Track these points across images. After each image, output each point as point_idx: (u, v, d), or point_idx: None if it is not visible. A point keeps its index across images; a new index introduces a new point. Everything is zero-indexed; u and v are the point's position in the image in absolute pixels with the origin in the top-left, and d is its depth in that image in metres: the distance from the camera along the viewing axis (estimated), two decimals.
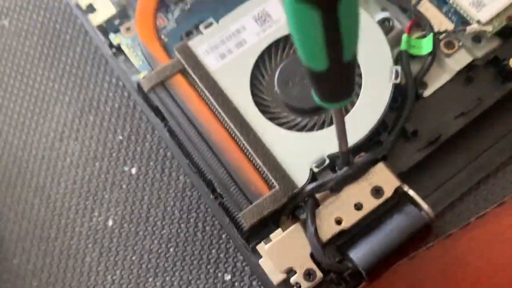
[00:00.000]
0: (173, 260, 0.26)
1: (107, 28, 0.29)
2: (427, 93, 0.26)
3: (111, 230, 0.27)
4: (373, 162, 0.24)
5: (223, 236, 0.26)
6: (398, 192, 0.23)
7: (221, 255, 0.26)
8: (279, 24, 0.27)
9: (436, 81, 0.26)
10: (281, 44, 0.26)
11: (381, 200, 0.23)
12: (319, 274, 0.22)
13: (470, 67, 0.26)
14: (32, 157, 0.29)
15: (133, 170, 0.28)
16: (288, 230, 0.23)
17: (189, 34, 0.28)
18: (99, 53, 0.31)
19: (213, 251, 0.26)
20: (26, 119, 0.30)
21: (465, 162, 0.26)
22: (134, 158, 0.28)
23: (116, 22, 0.29)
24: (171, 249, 0.26)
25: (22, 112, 0.30)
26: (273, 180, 0.24)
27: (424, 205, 0.23)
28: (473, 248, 0.25)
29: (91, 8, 0.29)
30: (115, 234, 0.27)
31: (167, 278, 0.26)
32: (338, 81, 0.16)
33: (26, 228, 0.28)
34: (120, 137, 0.29)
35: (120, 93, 0.30)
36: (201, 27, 0.27)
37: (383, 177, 0.24)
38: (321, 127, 0.25)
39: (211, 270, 0.26)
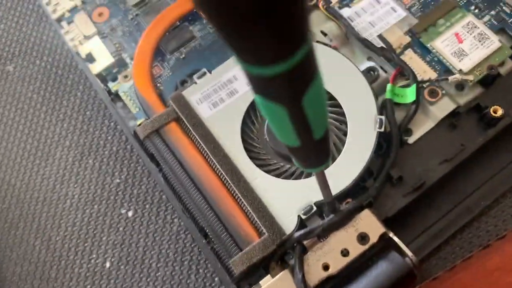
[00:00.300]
0: None
1: (105, 76, 0.30)
2: (411, 140, 0.27)
3: (109, 272, 0.28)
4: (359, 209, 0.25)
5: (216, 279, 0.27)
6: (383, 238, 0.24)
7: None
8: None
9: (421, 128, 0.27)
10: None
11: (366, 246, 0.24)
12: None
13: (453, 114, 0.27)
14: (34, 199, 0.30)
15: (130, 213, 0.29)
16: (277, 276, 0.24)
17: (183, 83, 0.29)
18: (99, 98, 0.32)
19: None
20: (29, 162, 0.31)
21: (450, 207, 0.26)
22: (131, 201, 0.29)
23: (114, 70, 0.30)
24: None
25: (25, 155, 0.32)
26: (262, 227, 0.24)
27: (408, 252, 0.24)
28: None
29: (90, 57, 0.31)
30: (112, 276, 0.28)
31: None
32: (312, 154, 0.17)
33: (27, 269, 0.29)
34: (118, 180, 0.30)
35: (118, 137, 0.31)
36: (194, 77, 0.28)
37: (369, 224, 0.24)
38: (308, 175, 0.26)
39: None
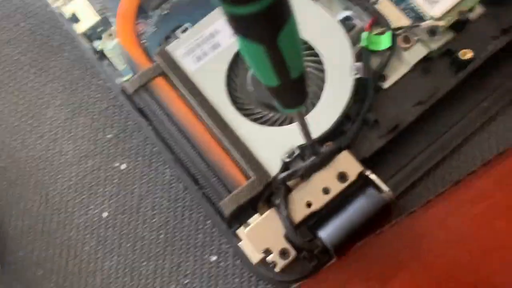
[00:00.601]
0: (163, 245, 0.29)
1: (90, 35, 0.31)
2: (386, 85, 0.28)
3: (106, 221, 0.30)
4: (338, 151, 0.26)
5: (208, 222, 0.29)
6: (361, 176, 0.26)
7: (207, 239, 0.29)
8: None
9: (395, 73, 0.28)
10: None
11: (346, 184, 0.26)
12: (292, 253, 0.25)
13: (426, 59, 0.28)
14: (30, 157, 0.32)
15: (123, 166, 0.31)
16: (264, 214, 0.26)
17: (167, 38, 0.30)
18: (86, 57, 0.33)
19: (199, 235, 0.29)
20: (21, 123, 0.32)
21: (423, 147, 0.28)
22: (123, 155, 0.31)
23: (99, 29, 0.31)
24: (161, 236, 0.29)
25: (17, 116, 0.33)
26: (249, 171, 0.26)
27: (385, 187, 0.26)
28: (433, 224, 0.28)
29: (74, 18, 0.31)
30: (110, 224, 0.30)
31: (159, 262, 0.29)
32: (290, 93, 0.19)
33: (29, 223, 0.30)
34: (110, 136, 0.31)
35: (106, 95, 0.32)
36: (177, 32, 0.29)
37: (348, 164, 0.26)
38: (291, 121, 0.27)
39: (198, 253, 0.28)
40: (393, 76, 0.28)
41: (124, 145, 0.31)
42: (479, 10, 0.28)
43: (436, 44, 0.28)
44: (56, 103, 0.33)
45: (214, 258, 0.28)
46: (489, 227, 0.27)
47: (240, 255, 0.27)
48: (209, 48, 0.29)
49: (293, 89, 0.18)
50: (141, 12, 0.31)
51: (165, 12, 0.31)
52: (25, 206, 0.31)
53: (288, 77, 0.17)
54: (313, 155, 0.26)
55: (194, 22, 0.29)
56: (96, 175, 0.31)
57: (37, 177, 0.31)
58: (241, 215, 0.26)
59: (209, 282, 0.28)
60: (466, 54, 0.27)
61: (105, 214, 0.30)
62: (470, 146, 0.29)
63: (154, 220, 0.29)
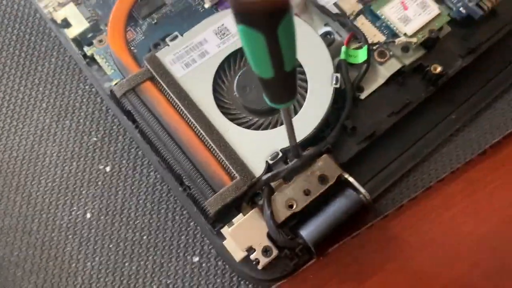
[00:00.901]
0: (146, 246, 0.29)
1: (81, 40, 0.32)
2: (363, 95, 0.30)
3: (89, 222, 0.30)
4: (319, 155, 0.28)
5: (191, 224, 0.30)
6: (340, 179, 0.28)
7: (189, 240, 0.29)
8: (237, 37, 0.30)
9: (371, 85, 0.30)
10: (239, 54, 0.30)
11: (326, 187, 0.27)
12: (275, 251, 0.26)
13: (399, 73, 0.30)
14: (13, 158, 0.32)
15: (108, 168, 0.31)
16: (248, 214, 0.27)
17: (156, 46, 0.31)
18: (73, 63, 0.34)
19: (182, 237, 0.29)
20: (6, 124, 0.33)
21: (397, 154, 0.30)
22: (108, 158, 0.31)
23: (89, 35, 0.32)
24: (144, 237, 0.29)
25: (1, 117, 0.33)
26: (234, 172, 0.27)
27: (362, 190, 0.27)
28: (406, 227, 0.30)
29: (66, 23, 0.32)
30: (93, 225, 0.30)
31: (141, 263, 0.29)
32: (282, 87, 0.20)
33: (9, 223, 0.30)
34: (95, 139, 0.32)
35: (93, 99, 0.33)
36: (167, 39, 0.30)
37: (328, 167, 0.28)
38: (275, 126, 0.29)
39: (180, 254, 0.29)
40: (370, 87, 0.30)
41: (109, 148, 0.32)
42: (447, 29, 0.31)
43: (408, 59, 0.30)
44: (42, 106, 0.33)
45: (196, 259, 0.29)
46: (457, 231, 0.29)
47: (223, 255, 0.28)
48: (197, 55, 0.30)
49: (285, 82, 0.20)
50: (131, 20, 0.32)
51: (154, 21, 0.32)
52: (6, 206, 0.31)
53: (282, 69, 0.18)
54: (295, 157, 0.27)
55: (181, 32, 0.31)
56: (81, 177, 0.31)
57: (19, 178, 0.31)
58: (225, 216, 0.27)
59: (192, 282, 0.28)
60: (436, 69, 0.29)
61: (88, 215, 0.30)
62: (439, 154, 0.31)
63: (137, 222, 0.30)
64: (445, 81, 0.30)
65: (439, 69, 0.29)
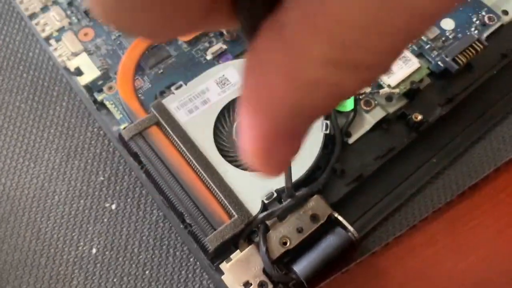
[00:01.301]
0: (148, 281, 0.31)
1: (92, 87, 0.35)
2: (351, 140, 0.33)
3: (95, 257, 0.32)
4: (310, 195, 0.30)
5: (191, 259, 0.32)
6: (330, 218, 0.30)
7: (190, 275, 0.31)
8: (236, 87, 0.33)
9: (358, 131, 0.33)
10: (237, 103, 0.33)
11: (317, 225, 0.29)
12: (270, 285, 0.28)
13: (384, 120, 0.33)
14: (24, 196, 0.34)
15: (113, 206, 0.33)
16: (245, 251, 0.29)
17: (162, 93, 0.34)
18: (82, 107, 0.37)
19: (183, 272, 0.31)
20: (18, 164, 0.35)
21: (383, 194, 0.32)
22: (114, 196, 0.34)
23: (100, 82, 0.35)
24: (147, 272, 0.31)
25: (14, 157, 0.35)
26: (232, 211, 0.29)
27: (350, 228, 0.29)
28: (392, 263, 0.32)
29: (78, 71, 0.35)
30: (99, 260, 0.32)
31: None
32: None
33: (19, 257, 0.32)
34: (102, 178, 0.34)
35: (101, 141, 0.35)
36: (172, 88, 0.33)
37: (319, 207, 0.30)
38: None
39: None
40: (357, 133, 0.33)
41: (115, 187, 0.34)
42: (427, 81, 0.34)
43: (392, 108, 0.33)
44: (53, 147, 0.35)
45: None
46: (440, 267, 0.31)
47: None
48: (200, 103, 0.33)
49: None
50: (139, 69, 0.35)
51: (160, 71, 0.35)
52: (16, 242, 0.32)
53: None
54: (289, 198, 0.29)
55: (185, 81, 0.33)
56: (88, 214, 0.33)
57: (29, 215, 0.33)
58: (223, 252, 0.29)
59: None
60: (418, 117, 0.32)
61: (94, 251, 0.32)
62: (422, 195, 0.33)
63: (140, 257, 0.32)
64: (426, 128, 0.33)
65: (420, 117, 0.32)
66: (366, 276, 0.31)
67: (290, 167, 0.26)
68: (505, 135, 0.34)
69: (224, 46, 0.35)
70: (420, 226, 0.33)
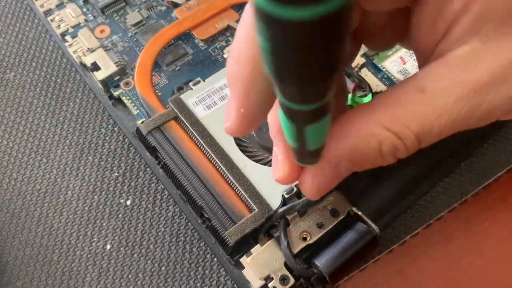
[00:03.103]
0: (164, 277, 0.30)
1: (108, 83, 0.35)
2: None
3: (109, 253, 0.31)
4: (330, 191, 0.30)
5: (207, 256, 0.31)
6: (350, 213, 0.30)
7: (206, 272, 0.31)
8: None
9: None
10: None
11: (338, 220, 0.29)
12: (291, 279, 0.28)
13: None
14: (36, 191, 0.33)
15: (128, 202, 0.33)
16: (265, 245, 0.29)
17: (179, 89, 0.34)
18: (96, 104, 0.36)
19: (199, 268, 0.31)
20: (30, 159, 0.34)
21: (399, 193, 0.32)
22: (128, 192, 0.33)
23: (116, 78, 0.35)
24: (163, 268, 0.31)
25: (26, 152, 0.35)
26: (252, 204, 0.29)
27: (371, 223, 0.29)
28: (408, 261, 0.32)
29: (94, 66, 0.35)
30: (113, 256, 0.31)
31: None
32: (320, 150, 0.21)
33: (30, 253, 0.31)
34: (116, 174, 0.34)
35: (115, 137, 0.35)
36: (190, 84, 0.33)
37: (338, 202, 0.30)
38: None
39: (198, 285, 0.30)
40: None
41: (130, 183, 0.33)
42: None
43: None
44: (66, 143, 0.35)
45: None
46: (456, 266, 0.31)
47: (240, 285, 0.29)
48: (218, 98, 0.33)
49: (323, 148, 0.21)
50: (156, 66, 0.35)
51: (177, 68, 0.35)
52: (27, 237, 0.32)
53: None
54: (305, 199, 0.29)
55: (201, 78, 0.34)
56: (102, 210, 0.32)
57: (41, 210, 0.33)
58: (242, 247, 0.29)
59: None
60: None
61: (108, 247, 0.31)
62: (437, 195, 0.33)
63: (156, 253, 0.31)
64: None
65: None
66: (383, 275, 0.31)
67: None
68: None
69: None
70: (436, 225, 0.33)
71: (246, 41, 0.19)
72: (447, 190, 0.33)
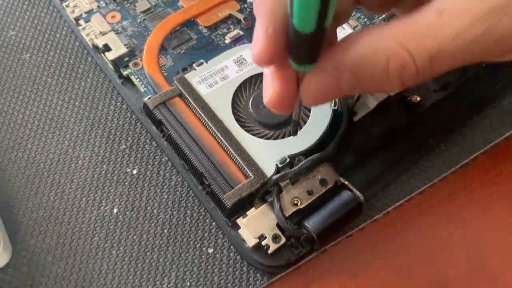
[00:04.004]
0: (167, 238, 0.33)
1: (118, 63, 0.38)
2: (356, 118, 0.36)
3: (116, 216, 0.34)
4: (320, 162, 0.33)
5: (206, 220, 0.34)
6: (337, 183, 0.33)
7: (205, 234, 0.33)
8: (252, 66, 0.36)
9: (363, 110, 0.36)
10: (253, 80, 0.36)
11: (326, 188, 0.32)
12: (283, 238, 0.31)
13: (385, 101, 0.36)
14: (49, 159, 0.36)
15: (134, 171, 0.35)
16: (260, 208, 0.31)
17: (184, 70, 0.37)
18: (106, 83, 0.39)
19: (199, 231, 0.33)
20: (44, 131, 0.37)
21: (383, 168, 0.36)
22: (135, 162, 0.36)
23: (126, 59, 0.38)
24: (165, 230, 0.33)
25: (40, 125, 0.37)
26: (249, 172, 0.32)
27: (356, 192, 0.32)
28: (390, 231, 0.34)
29: (106, 47, 0.38)
30: (119, 219, 0.34)
31: (162, 252, 0.33)
32: (316, 45, 0.20)
33: (43, 215, 0.34)
34: (124, 146, 0.37)
35: (123, 113, 0.38)
36: (194, 65, 0.36)
37: (327, 173, 0.33)
38: (283, 137, 0.34)
39: (197, 245, 0.33)
40: (361, 112, 0.36)
41: (136, 155, 0.36)
42: None
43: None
44: (77, 117, 0.38)
45: (211, 250, 0.33)
46: (435, 236, 0.34)
47: (236, 244, 0.32)
48: (219, 78, 0.36)
49: (320, 40, 0.20)
50: (163, 49, 0.38)
51: (182, 51, 0.38)
52: (40, 200, 0.34)
53: (323, 24, 0.19)
54: (293, 134, 0.30)
55: (204, 60, 0.37)
56: (110, 178, 0.35)
57: (54, 177, 0.35)
58: (239, 210, 0.32)
59: (206, 270, 0.32)
60: (416, 98, 0.36)
61: (115, 210, 0.34)
62: (419, 170, 0.36)
63: (159, 217, 0.34)
64: (424, 110, 0.36)
65: (418, 98, 0.36)
66: (367, 242, 0.34)
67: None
68: (492, 120, 0.38)
69: (241, 32, 0.39)
70: (417, 198, 0.36)
71: None
72: (427, 168, 0.36)
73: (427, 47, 0.19)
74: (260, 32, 0.20)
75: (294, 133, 0.30)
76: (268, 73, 0.23)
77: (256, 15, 0.21)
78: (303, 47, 0.21)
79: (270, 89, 0.22)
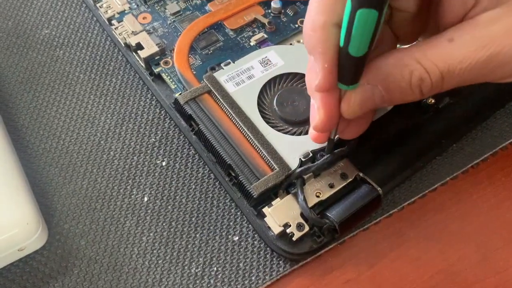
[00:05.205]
0: (194, 226, 0.35)
1: (149, 61, 0.40)
2: (374, 118, 0.38)
3: (146, 205, 0.36)
4: (341, 158, 0.35)
5: (232, 210, 0.36)
6: (356, 178, 0.35)
7: (231, 223, 0.35)
8: (276, 67, 0.39)
9: (381, 111, 0.38)
10: (278, 79, 0.38)
11: (346, 182, 0.34)
12: (307, 227, 0.33)
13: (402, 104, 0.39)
14: (82, 150, 0.38)
15: (164, 163, 0.37)
16: (284, 198, 0.33)
17: (212, 69, 0.39)
18: (137, 80, 0.41)
19: (225, 220, 0.35)
20: (77, 124, 0.39)
21: (399, 165, 0.38)
22: (164, 155, 0.38)
23: (157, 57, 0.40)
24: (193, 219, 0.35)
25: (73, 118, 0.39)
26: (274, 164, 0.34)
27: (375, 186, 0.34)
28: (406, 224, 0.36)
29: (138, 46, 0.40)
30: (150, 207, 0.35)
31: (190, 239, 0.34)
32: (363, 65, 0.25)
33: (76, 202, 0.36)
34: (153, 139, 0.38)
35: (153, 109, 0.40)
36: (222, 64, 0.38)
37: (347, 167, 0.35)
38: (306, 133, 0.36)
39: (223, 233, 0.35)
40: (380, 112, 0.38)
41: (165, 148, 0.38)
42: None
43: None
44: (109, 112, 0.40)
45: (236, 238, 0.35)
46: (447, 230, 0.36)
47: (262, 232, 0.34)
48: (245, 77, 0.38)
49: (365, 62, 0.24)
50: (192, 50, 0.40)
51: (210, 52, 0.40)
52: (74, 188, 0.36)
53: (370, 47, 0.23)
54: (329, 152, 0.33)
55: (232, 60, 0.39)
56: (140, 168, 0.37)
57: (87, 167, 0.37)
58: (264, 200, 0.34)
59: (232, 256, 0.34)
60: (431, 101, 0.38)
61: (146, 199, 0.36)
62: (432, 169, 0.38)
63: (187, 206, 0.36)
64: (435, 111, 0.39)
65: (432, 101, 0.38)
66: (383, 234, 0.36)
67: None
68: (502, 124, 0.40)
69: (265, 36, 0.41)
70: (430, 195, 0.38)
71: (317, 12, 0.24)
72: (440, 166, 0.38)
73: (439, 66, 0.24)
74: (318, 67, 0.26)
75: (329, 151, 0.33)
76: (315, 103, 0.28)
77: (311, 52, 0.26)
78: (353, 69, 0.25)
79: (316, 116, 0.28)
